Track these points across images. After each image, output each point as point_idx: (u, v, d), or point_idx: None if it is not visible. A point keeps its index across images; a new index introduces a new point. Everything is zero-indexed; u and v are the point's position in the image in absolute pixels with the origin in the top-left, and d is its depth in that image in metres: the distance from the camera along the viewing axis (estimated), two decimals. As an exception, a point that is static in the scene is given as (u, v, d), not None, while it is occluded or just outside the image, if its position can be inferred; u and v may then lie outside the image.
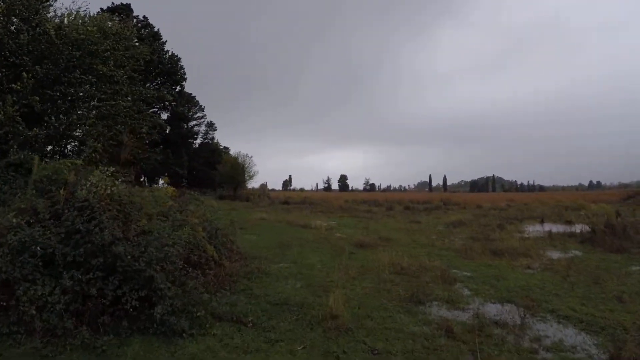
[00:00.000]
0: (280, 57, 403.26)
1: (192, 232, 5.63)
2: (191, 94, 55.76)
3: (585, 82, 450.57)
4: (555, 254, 8.57)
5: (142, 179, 29.58)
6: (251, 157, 52.85)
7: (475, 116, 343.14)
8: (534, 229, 13.31)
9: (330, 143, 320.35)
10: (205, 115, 59.46)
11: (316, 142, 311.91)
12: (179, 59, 30.15)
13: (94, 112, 9.30)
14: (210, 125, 61.65)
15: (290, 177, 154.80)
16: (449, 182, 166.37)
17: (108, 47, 9.80)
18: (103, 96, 9.61)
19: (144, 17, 29.14)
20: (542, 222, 15.66)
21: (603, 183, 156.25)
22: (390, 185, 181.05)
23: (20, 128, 7.58)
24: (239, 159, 49.39)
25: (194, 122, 58.06)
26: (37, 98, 7.97)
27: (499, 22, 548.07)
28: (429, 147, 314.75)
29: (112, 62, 9.97)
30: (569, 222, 15.56)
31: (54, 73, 8.71)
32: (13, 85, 7.68)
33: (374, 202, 35.99)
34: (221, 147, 62.47)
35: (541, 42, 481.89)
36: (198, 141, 58.94)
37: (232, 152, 54.82)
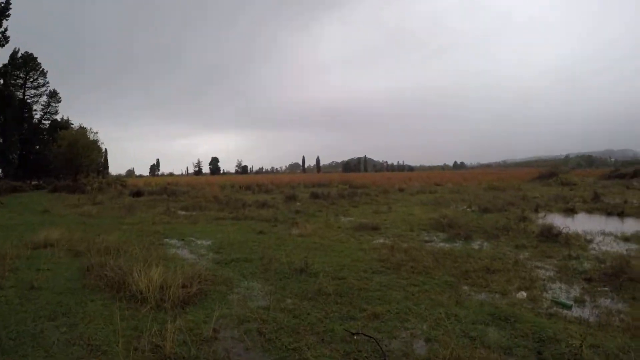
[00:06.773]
0: (153, 41, 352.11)
1: None
2: (31, 53, 40.50)
3: (457, 76, 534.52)
4: None
5: None
6: (96, 132, 37.61)
7: (346, 104, 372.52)
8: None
9: (202, 127, 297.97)
10: (47, 83, 42.31)
11: (188, 126, 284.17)
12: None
13: None
14: (53, 95, 42.98)
15: (158, 161, 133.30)
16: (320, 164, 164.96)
17: None
18: None
19: None
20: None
21: (467, 163, 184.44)
22: (262, 168, 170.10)
23: None
24: (80, 135, 34.78)
25: (33, 91, 41.73)
26: None
27: (377, 20, 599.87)
28: (301, 131, 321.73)
29: None
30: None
31: None
32: None
33: (259, 186, 27.44)
34: (72, 125, 44.13)
35: (412, 43, 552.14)
36: (37, 116, 42.95)
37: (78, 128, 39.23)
